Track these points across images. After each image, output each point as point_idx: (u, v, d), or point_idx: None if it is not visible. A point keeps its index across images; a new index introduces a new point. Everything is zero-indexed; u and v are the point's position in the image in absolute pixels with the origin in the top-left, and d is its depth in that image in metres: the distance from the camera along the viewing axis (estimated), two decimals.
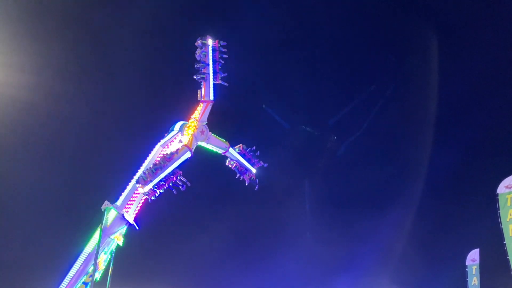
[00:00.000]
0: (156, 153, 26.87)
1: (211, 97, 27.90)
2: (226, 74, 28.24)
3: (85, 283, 24.05)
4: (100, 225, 24.27)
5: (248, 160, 29.39)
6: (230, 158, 29.27)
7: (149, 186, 24.68)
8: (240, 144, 29.47)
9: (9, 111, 30.30)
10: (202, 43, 27.79)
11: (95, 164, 33.95)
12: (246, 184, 29.28)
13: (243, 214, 38.20)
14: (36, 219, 32.11)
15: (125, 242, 25.49)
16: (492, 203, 34.08)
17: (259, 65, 38.32)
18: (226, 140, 28.97)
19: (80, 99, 33.91)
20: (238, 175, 29.31)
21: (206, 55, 27.80)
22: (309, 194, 43.34)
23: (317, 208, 42.85)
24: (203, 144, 28.13)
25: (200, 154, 28.13)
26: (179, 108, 29.61)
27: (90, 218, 25.68)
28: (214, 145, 28.51)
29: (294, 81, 42.52)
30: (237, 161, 29.12)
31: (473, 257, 37.11)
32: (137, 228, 26.01)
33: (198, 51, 27.73)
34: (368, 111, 43.83)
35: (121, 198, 25.71)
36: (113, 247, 25.11)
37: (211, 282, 38.16)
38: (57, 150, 33.77)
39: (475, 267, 36.55)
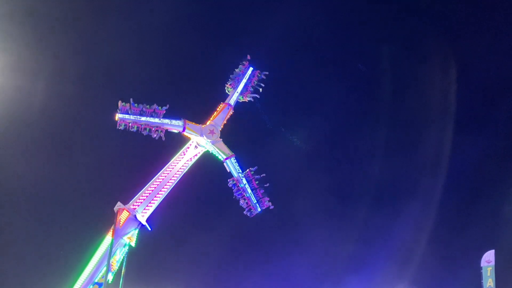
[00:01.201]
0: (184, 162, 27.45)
1: (232, 103, 29.29)
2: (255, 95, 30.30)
3: (98, 284, 24.36)
4: (112, 226, 24.57)
5: (254, 192, 28.23)
6: (236, 185, 28.25)
7: None
8: (248, 169, 28.49)
9: (23, 112, 30.87)
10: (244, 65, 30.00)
11: (108, 165, 34.26)
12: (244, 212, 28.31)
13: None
14: (50, 220, 32.61)
15: (137, 243, 25.73)
16: (508, 202, 33.67)
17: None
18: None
19: (94, 98, 34.27)
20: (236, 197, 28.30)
21: (242, 74, 29.85)
22: (321, 190, 42.91)
23: (329, 205, 42.36)
24: (208, 146, 28.27)
25: (207, 159, 28.49)
26: (193, 109, 29.80)
27: (103, 219, 25.96)
28: (219, 149, 28.30)
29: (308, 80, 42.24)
30: (244, 193, 28.16)
31: (489, 258, 36.48)
32: (149, 229, 26.26)
33: (239, 68, 29.85)
34: (386, 104, 43.14)
35: (134, 199, 26.03)
36: (125, 248, 25.37)
37: (223, 282, 38.20)
38: (72, 152, 34.21)
39: (490, 268, 35.92)
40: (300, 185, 41.22)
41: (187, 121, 27.81)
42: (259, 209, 28.24)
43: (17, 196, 32.30)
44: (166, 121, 27.14)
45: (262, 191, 28.36)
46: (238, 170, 28.28)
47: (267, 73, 30.66)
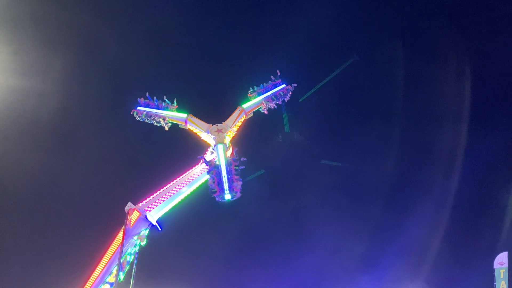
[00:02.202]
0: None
1: (246, 107, 28.83)
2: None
3: (109, 283, 24.55)
4: (123, 226, 24.72)
5: (229, 175, 25.67)
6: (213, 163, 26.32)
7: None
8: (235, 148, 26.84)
9: (33, 113, 31.20)
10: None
11: (119, 165, 34.47)
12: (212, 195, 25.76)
13: (260, 210, 38.02)
14: (62, 219, 32.90)
15: (148, 243, 25.86)
16: None
17: None
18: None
19: (104, 100, 34.48)
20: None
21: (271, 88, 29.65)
22: (331, 186, 42.56)
23: (339, 203, 42.01)
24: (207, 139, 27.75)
25: None
26: (203, 112, 29.66)
27: (114, 219, 26.11)
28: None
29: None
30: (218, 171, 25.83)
31: (501, 260, 36.12)
32: (160, 229, 26.36)
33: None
34: (399, 101, 42.62)
35: (146, 200, 26.15)
36: (136, 247, 25.52)
37: (232, 280, 38.28)
38: (85, 151, 34.44)
39: (503, 270, 35.57)
40: (309, 183, 41.00)
41: (193, 117, 27.90)
42: (227, 194, 25.50)
43: (28, 196, 32.66)
44: (173, 113, 28.16)
45: (237, 177, 25.82)
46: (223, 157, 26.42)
47: (295, 84, 30.26)
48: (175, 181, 26.79)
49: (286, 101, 30.31)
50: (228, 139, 27.32)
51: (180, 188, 26.65)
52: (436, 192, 41.53)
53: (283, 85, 30.02)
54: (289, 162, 38.90)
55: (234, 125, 27.87)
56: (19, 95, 30.00)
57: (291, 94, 30.35)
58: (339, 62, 40.55)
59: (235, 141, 28.08)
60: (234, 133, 27.88)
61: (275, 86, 29.85)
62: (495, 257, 36.64)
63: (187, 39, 37.22)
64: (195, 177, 26.97)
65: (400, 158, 41.99)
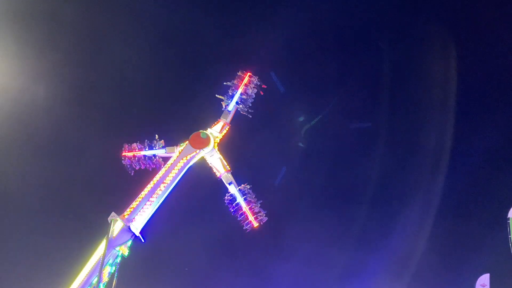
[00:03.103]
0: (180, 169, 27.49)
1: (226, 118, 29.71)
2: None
3: None
4: (106, 236, 24.39)
5: (249, 205, 28.40)
6: (229, 196, 28.63)
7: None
8: (243, 184, 28.66)
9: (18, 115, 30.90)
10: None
11: (103, 175, 34.12)
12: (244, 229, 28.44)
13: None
14: (43, 228, 32.33)
15: (130, 254, 25.53)
16: (503, 227, 33.52)
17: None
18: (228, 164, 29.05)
19: (89, 105, 34.30)
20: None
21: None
22: (314, 191, 42.25)
23: (324, 208, 41.63)
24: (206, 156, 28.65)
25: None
26: (188, 117, 29.86)
27: (97, 229, 25.78)
28: (213, 165, 28.94)
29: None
30: (237, 204, 28.40)
31: (483, 281, 36.33)
32: (143, 240, 26.06)
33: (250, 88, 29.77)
34: (384, 101, 42.46)
35: (128, 210, 25.87)
36: (118, 259, 25.16)
37: None
38: (67, 160, 34.09)
39: None
40: (293, 186, 40.64)
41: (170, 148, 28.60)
42: (255, 224, 28.29)
43: (11, 202, 32.15)
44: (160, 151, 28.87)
45: (258, 205, 28.53)
46: (234, 184, 28.57)
47: (265, 86, 30.33)
48: (153, 184, 26.77)
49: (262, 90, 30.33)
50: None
51: (160, 193, 26.58)
52: (421, 196, 41.31)
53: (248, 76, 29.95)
54: (264, 162, 38.59)
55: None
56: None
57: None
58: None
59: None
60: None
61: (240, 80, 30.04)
62: (477, 278, 36.89)
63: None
64: (173, 178, 27.13)
65: (384, 160, 41.78)
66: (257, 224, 28.23)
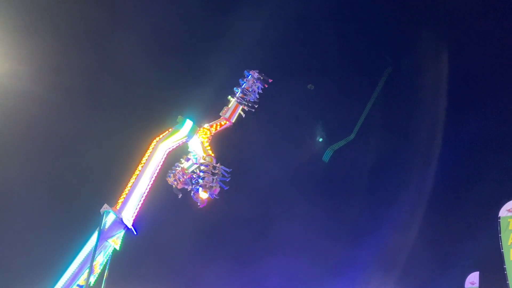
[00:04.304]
0: (160, 153, 26.79)
1: (233, 120, 29.34)
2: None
3: (79, 286, 23.88)
4: (98, 228, 24.14)
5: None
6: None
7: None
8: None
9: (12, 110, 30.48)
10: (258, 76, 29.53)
11: (95, 165, 33.81)
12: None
13: (237, 213, 37.69)
14: (33, 220, 32.01)
15: (122, 247, 25.30)
16: (493, 226, 33.85)
17: None
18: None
19: (80, 97, 33.94)
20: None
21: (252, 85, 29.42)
22: (306, 189, 42.38)
23: (310, 199, 41.75)
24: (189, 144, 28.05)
25: None
26: (180, 107, 29.58)
27: (89, 221, 25.53)
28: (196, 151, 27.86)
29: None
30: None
31: (473, 280, 36.70)
32: (135, 233, 25.84)
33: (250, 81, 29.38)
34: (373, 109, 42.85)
35: (120, 201, 25.60)
36: (109, 251, 24.94)
37: (208, 285, 37.86)
38: (57, 151, 33.75)
39: None
40: (279, 183, 40.79)
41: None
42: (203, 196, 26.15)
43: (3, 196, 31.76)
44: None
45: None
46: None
47: (270, 80, 30.05)
48: (138, 172, 26.26)
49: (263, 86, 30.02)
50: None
51: (149, 181, 26.19)
52: (405, 216, 41.80)
53: (249, 76, 29.74)
54: (254, 154, 38.62)
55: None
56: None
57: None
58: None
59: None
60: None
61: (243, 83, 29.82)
62: (467, 277, 37.23)
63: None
64: (150, 159, 26.53)
65: (373, 155, 42.04)
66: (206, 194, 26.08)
